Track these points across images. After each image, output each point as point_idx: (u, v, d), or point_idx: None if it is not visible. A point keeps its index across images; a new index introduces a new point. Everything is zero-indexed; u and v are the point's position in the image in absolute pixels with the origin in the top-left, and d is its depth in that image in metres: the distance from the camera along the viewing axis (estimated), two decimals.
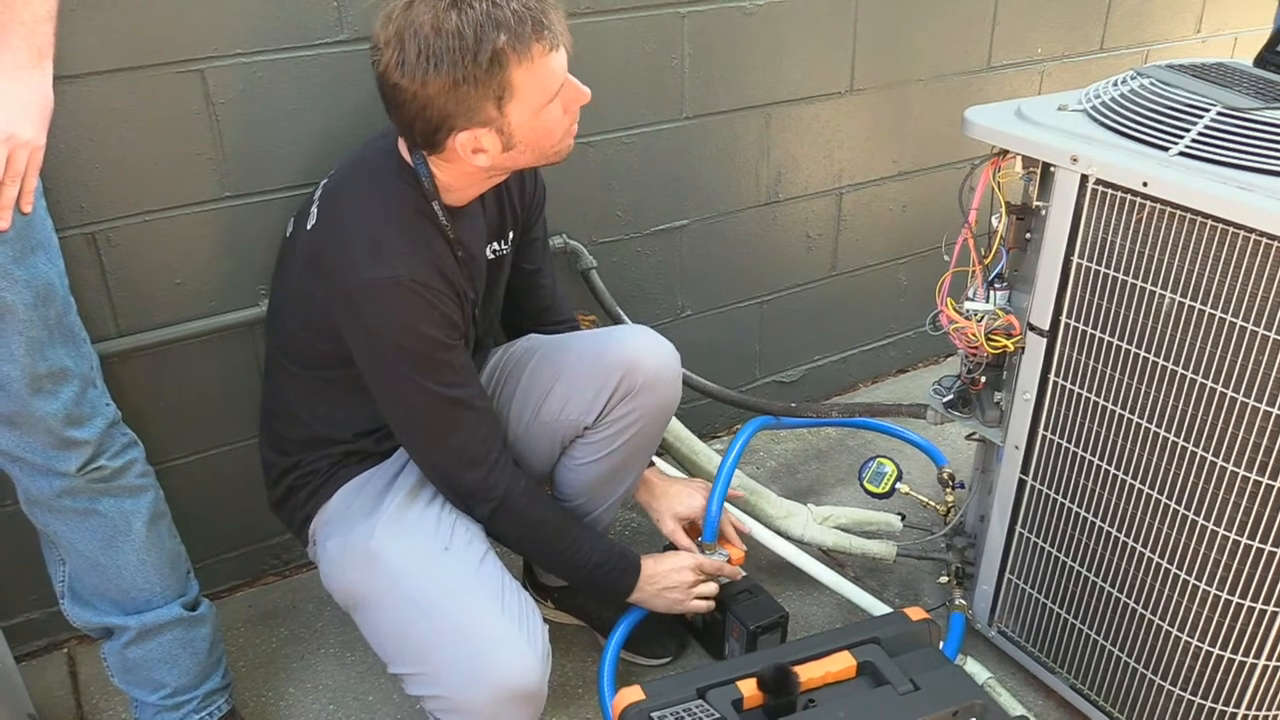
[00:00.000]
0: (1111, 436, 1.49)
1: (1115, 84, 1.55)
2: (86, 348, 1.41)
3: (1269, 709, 1.47)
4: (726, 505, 1.79)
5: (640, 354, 1.59)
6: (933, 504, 1.95)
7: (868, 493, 1.94)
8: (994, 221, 1.60)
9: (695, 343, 2.30)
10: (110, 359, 1.64)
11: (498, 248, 1.60)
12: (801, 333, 2.52)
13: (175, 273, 1.70)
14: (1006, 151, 1.54)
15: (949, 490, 1.96)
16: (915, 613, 1.47)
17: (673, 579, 1.68)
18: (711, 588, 1.73)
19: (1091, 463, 1.53)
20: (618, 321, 2.06)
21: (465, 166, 1.41)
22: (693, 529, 1.81)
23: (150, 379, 1.74)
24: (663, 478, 1.82)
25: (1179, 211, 1.31)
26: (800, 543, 1.94)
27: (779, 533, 1.93)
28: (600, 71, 1.95)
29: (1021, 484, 1.65)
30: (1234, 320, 1.29)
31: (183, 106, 1.60)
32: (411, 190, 1.43)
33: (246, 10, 1.59)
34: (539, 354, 1.66)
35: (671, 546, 1.80)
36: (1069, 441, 1.56)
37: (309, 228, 1.44)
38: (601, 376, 1.58)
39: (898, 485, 1.93)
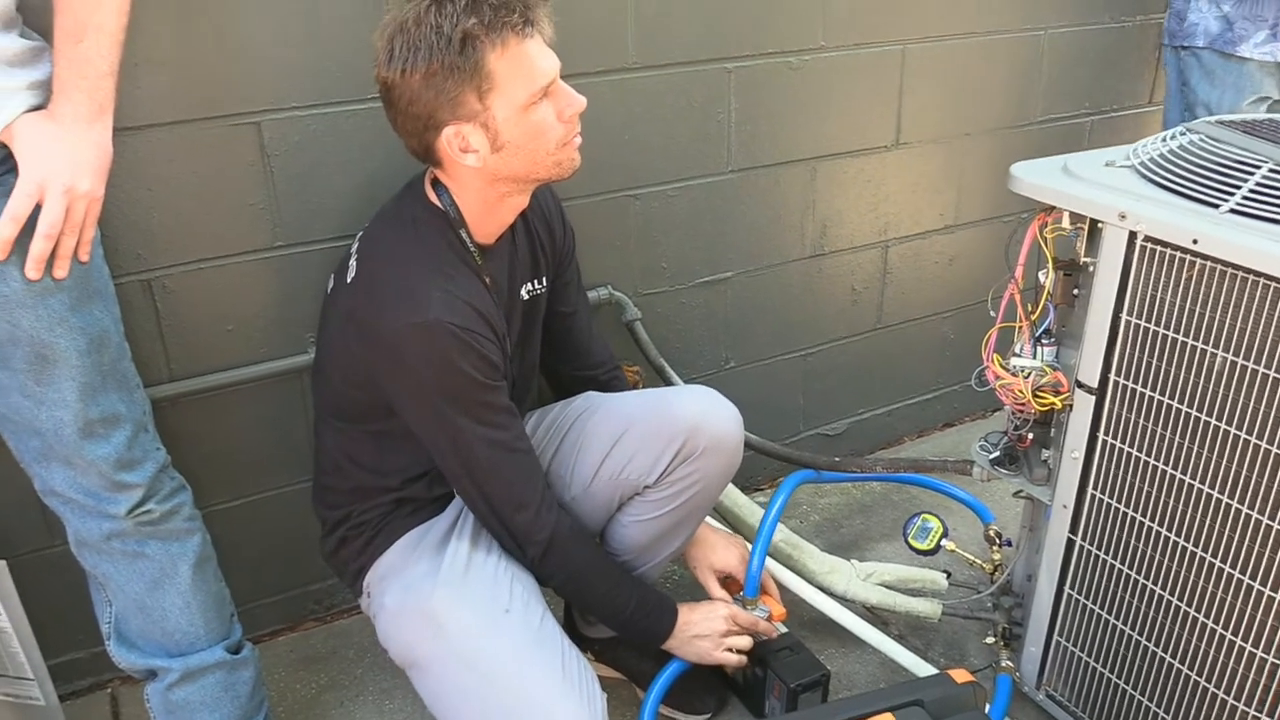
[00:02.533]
0: (1162, 496, 1.45)
1: (1164, 140, 1.53)
2: (140, 393, 1.45)
3: None
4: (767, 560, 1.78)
5: (704, 417, 1.59)
6: (979, 562, 1.91)
7: (913, 549, 1.90)
8: (1041, 277, 1.58)
9: (739, 395, 2.25)
10: (162, 403, 1.68)
11: (533, 288, 1.62)
12: (846, 386, 2.51)
13: (227, 319, 1.73)
14: (1054, 207, 1.53)
15: (996, 548, 1.92)
16: (960, 674, 1.44)
17: (703, 627, 1.66)
18: (744, 641, 1.71)
19: (1141, 523, 1.49)
20: (662, 372, 2.07)
21: (469, 180, 1.43)
22: (732, 583, 1.79)
23: (200, 423, 1.77)
24: (705, 527, 1.81)
25: (1229, 269, 1.29)
26: (843, 599, 1.91)
27: (822, 589, 1.90)
28: (646, 125, 1.97)
29: (1070, 544, 1.62)
30: None
31: (238, 158, 1.65)
32: (439, 227, 1.46)
33: (301, 66, 1.64)
34: (599, 412, 1.66)
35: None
36: (1118, 501, 1.52)
37: (349, 281, 1.47)
38: (665, 438, 1.58)
39: (943, 542, 1.89)
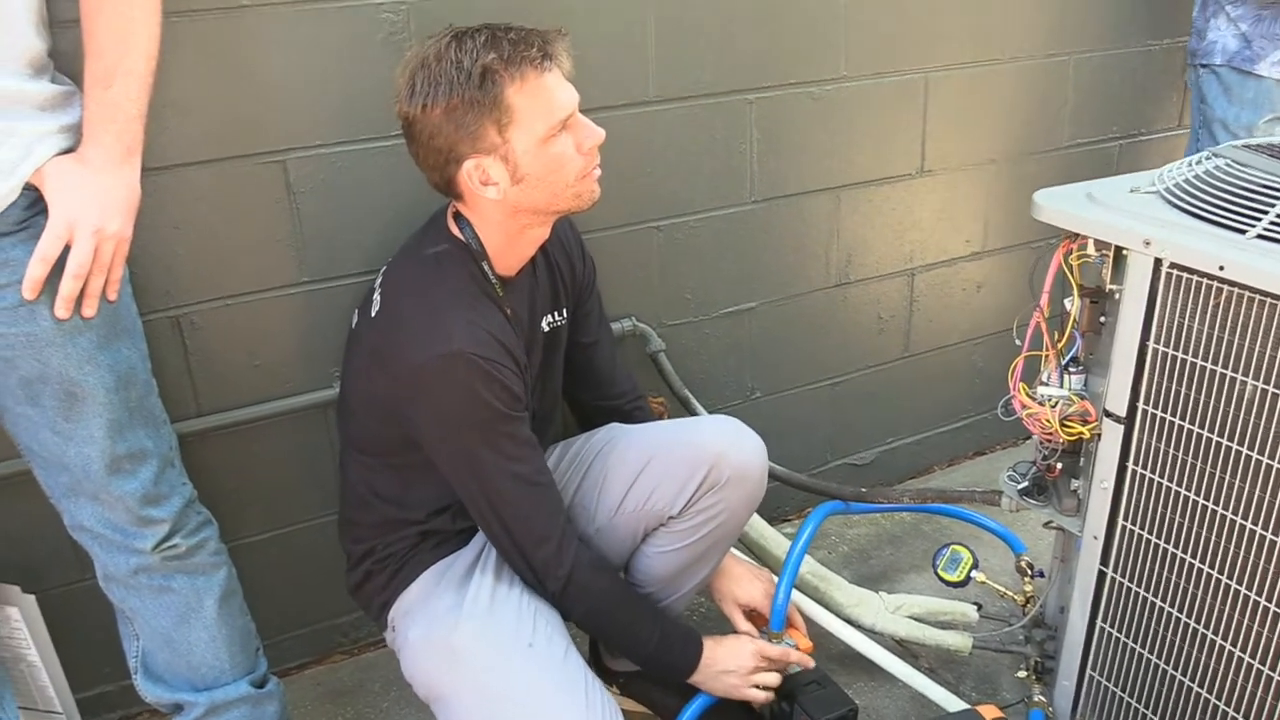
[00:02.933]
0: (1193, 527, 1.42)
1: (1190, 165, 1.52)
2: (166, 429, 1.47)
3: None
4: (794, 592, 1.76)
5: (728, 446, 1.59)
6: (1011, 594, 1.88)
7: (942, 581, 1.88)
8: (1067, 304, 1.56)
9: (765, 425, 2.24)
10: (190, 438, 1.70)
11: (553, 319, 1.63)
12: (874, 415, 2.49)
13: (254, 355, 1.75)
14: (1078, 234, 1.51)
15: (1028, 579, 1.89)
16: (990, 711, 1.42)
17: (730, 663, 1.64)
18: (772, 677, 1.68)
19: (1173, 554, 1.46)
20: (686, 404, 2.06)
21: (490, 212, 1.45)
22: (758, 617, 1.77)
23: (228, 458, 1.79)
24: (730, 559, 1.80)
25: (1257, 295, 1.27)
26: (871, 632, 1.89)
27: (849, 621, 1.88)
28: (668, 157, 1.98)
29: (1101, 576, 1.59)
30: None
31: (265, 195, 1.68)
32: (461, 260, 1.47)
33: (326, 104, 1.67)
34: (623, 444, 1.66)
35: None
36: (1149, 532, 1.49)
37: (372, 315, 1.48)
38: (689, 468, 1.57)
39: (974, 573, 1.86)
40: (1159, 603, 1.50)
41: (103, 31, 1.27)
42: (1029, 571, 1.89)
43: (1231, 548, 1.37)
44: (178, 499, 1.45)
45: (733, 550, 1.92)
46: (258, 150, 1.65)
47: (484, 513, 1.48)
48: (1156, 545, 1.48)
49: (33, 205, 1.26)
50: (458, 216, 1.49)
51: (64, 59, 1.33)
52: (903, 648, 1.97)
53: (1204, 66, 2.31)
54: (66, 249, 1.25)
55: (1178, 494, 1.44)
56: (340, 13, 1.63)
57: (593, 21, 1.82)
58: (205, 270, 1.68)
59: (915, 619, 1.95)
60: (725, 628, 1.81)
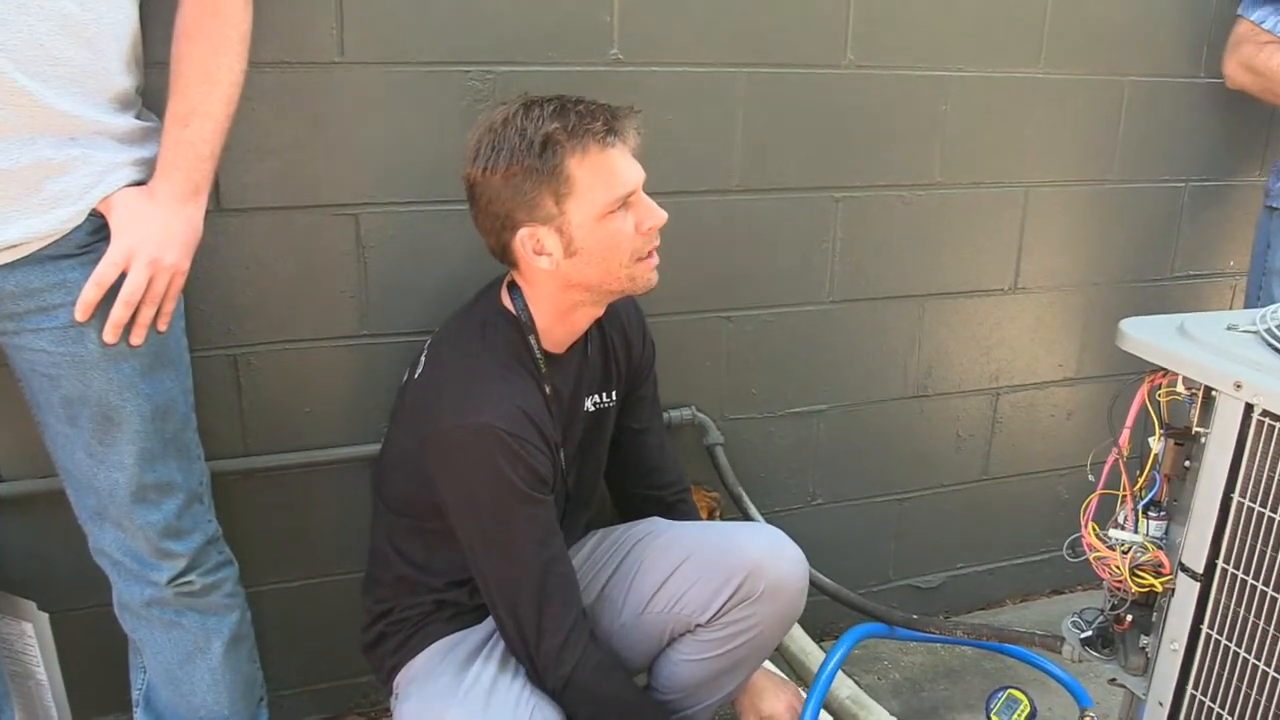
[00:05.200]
0: (1268, 704, 1.27)
1: None
2: (199, 464, 1.47)
3: None
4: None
5: (767, 557, 1.52)
6: None
7: None
8: (1151, 443, 1.45)
9: (825, 535, 2.18)
10: (233, 476, 1.71)
11: (600, 400, 1.59)
12: (945, 537, 2.35)
13: (306, 401, 1.76)
14: (1165, 369, 1.41)
15: None
16: None
17: None
18: None
19: None
20: (739, 501, 1.99)
21: (542, 284, 1.42)
22: None
23: (268, 500, 1.79)
24: (757, 670, 1.69)
25: None
26: None
27: None
28: (746, 247, 1.95)
29: None
30: None
31: (335, 247, 1.70)
32: (508, 333, 1.45)
33: (402, 163, 1.69)
34: (661, 539, 1.61)
35: None
36: (1219, 705, 1.34)
37: (416, 377, 1.47)
38: (723, 575, 1.51)
39: None
40: None
41: (187, 73, 1.32)
42: None
43: None
44: (199, 536, 1.44)
45: (766, 662, 1.82)
46: (332, 201, 1.67)
47: (491, 593, 1.43)
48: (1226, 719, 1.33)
49: (97, 231, 1.29)
50: (511, 286, 1.48)
51: (156, 98, 1.37)
52: None
53: (1274, 209, 2.14)
54: (122, 276, 1.28)
55: (1255, 667, 1.29)
56: (428, 76, 1.66)
57: (683, 105, 1.82)
58: (268, 313, 1.70)
59: None
60: None
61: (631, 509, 1.75)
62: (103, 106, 1.29)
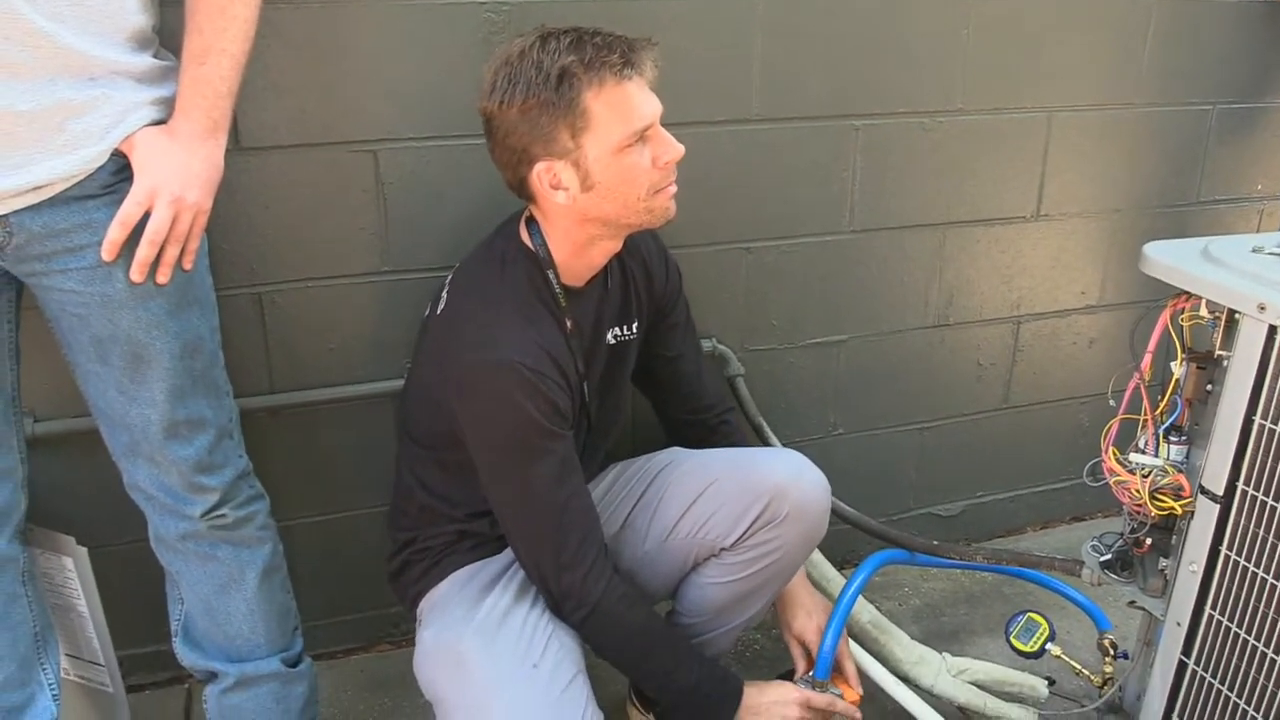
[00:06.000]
0: None
1: None
2: (228, 400, 1.49)
3: None
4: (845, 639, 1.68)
5: (790, 481, 1.53)
6: (1087, 673, 1.75)
7: (1014, 650, 1.75)
8: (1173, 368, 1.45)
9: (846, 464, 2.19)
10: (259, 413, 1.73)
11: (621, 333, 1.59)
12: (965, 465, 2.36)
13: (330, 338, 1.78)
14: (1188, 292, 1.40)
15: (1109, 660, 1.74)
16: None
17: (773, 713, 1.57)
18: None
19: (1261, 652, 1.32)
20: (760, 432, 2.00)
21: (559, 218, 1.42)
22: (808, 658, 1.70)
23: (295, 436, 1.82)
24: (800, 585, 1.73)
25: None
26: (929, 694, 1.78)
27: (905, 679, 1.78)
28: (764, 178, 1.93)
29: (1181, 666, 1.45)
30: None
31: (354, 184, 1.70)
32: (527, 268, 1.45)
33: (420, 98, 1.68)
34: (683, 468, 1.62)
35: (784, 675, 1.69)
36: (1237, 625, 1.36)
37: (438, 312, 1.48)
38: (746, 499, 1.53)
39: (1049, 645, 1.74)
40: (1241, 703, 1.37)
41: (203, 10, 1.31)
42: (1111, 651, 1.75)
43: None
44: (231, 470, 1.47)
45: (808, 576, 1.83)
46: (351, 139, 1.67)
47: (509, 526, 1.46)
48: (1243, 639, 1.35)
49: (120, 171, 1.30)
50: (529, 221, 1.48)
51: (173, 37, 1.37)
52: (962, 715, 1.85)
53: None
54: (147, 216, 1.29)
55: (1273, 586, 1.30)
56: (443, 9, 1.64)
57: (699, 33, 1.79)
58: (290, 251, 1.71)
59: (978, 686, 1.83)
60: (776, 668, 1.74)
61: (679, 435, 1.76)
62: (120, 46, 1.28)
